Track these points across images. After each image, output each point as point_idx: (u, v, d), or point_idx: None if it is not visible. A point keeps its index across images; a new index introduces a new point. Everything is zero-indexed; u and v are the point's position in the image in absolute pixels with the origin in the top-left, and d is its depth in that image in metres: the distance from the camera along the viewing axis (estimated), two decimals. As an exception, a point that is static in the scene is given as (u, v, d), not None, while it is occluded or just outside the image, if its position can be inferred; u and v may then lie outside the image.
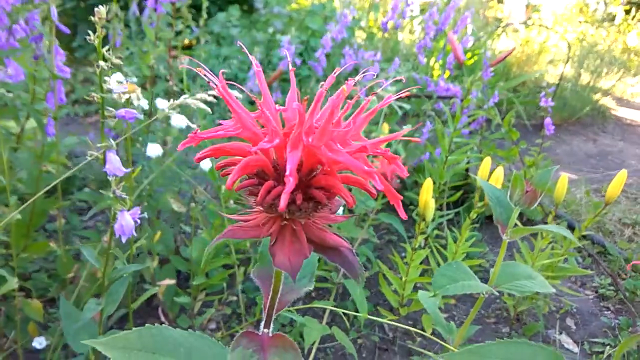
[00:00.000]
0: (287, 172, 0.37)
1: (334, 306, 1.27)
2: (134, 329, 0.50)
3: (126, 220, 0.66)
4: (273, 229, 0.43)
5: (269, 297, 0.50)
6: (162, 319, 1.61)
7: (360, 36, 3.48)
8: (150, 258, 1.53)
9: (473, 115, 2.05)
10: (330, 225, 0.53)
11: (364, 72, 0.50)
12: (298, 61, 2.57)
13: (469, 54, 3.49)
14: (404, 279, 1.65)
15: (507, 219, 0.83)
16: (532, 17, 6.64)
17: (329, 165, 0.41)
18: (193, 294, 1.76)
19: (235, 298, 1.98)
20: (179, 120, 1.49)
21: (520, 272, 0.90)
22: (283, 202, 0.37)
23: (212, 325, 1.83)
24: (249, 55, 0.49)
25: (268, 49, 3.46)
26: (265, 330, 0.51)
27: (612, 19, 7.64)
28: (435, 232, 2.09)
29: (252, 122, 0.44)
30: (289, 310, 1.15)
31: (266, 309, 0.51)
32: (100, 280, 0.77)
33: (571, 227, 2.39)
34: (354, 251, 0.47)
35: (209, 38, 3.56)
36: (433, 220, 2.08)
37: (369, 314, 1.42)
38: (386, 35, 2.82)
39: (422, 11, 3.25)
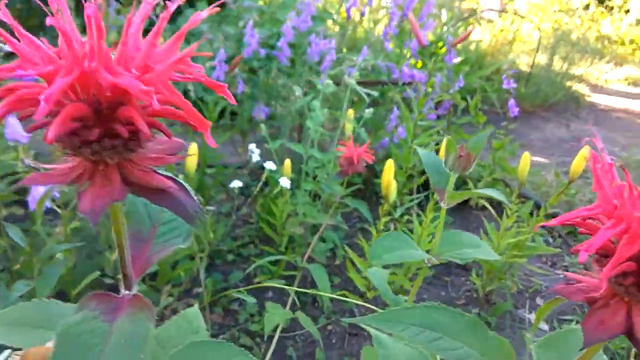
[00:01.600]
0: (42, 97, 0.32)
1: (296, 288, 1.26)
2: (20, 304, 0.47)
3: (38, 191, 0.64)
4: (80, 173, 0.39)
5: (122, 255, 0.47)
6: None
7: (333, 28, 3.47)
8: (109, 251, 1.50)
9: (438, 99, 2.05)
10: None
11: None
12: (264, 52, 2.55)
13: (441, 43, 3.49)
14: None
15: (445, 185, 0.82)
16: (507, 8, 6.68)
17: (111, 91, 0.37)
18: (158, 286, 1.74)
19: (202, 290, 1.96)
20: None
21: (464, 241, 0.89)
22: (51, 133, 0.33)
23: (180, 318, 1.80)
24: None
25: (239, 43, 3.43)
26: (126, 292, 0.47)
27: (586, 7, 7.73)
28: (406, 217, 2.09)
29: (37, 55, 0.39)
30: (239, 291, 1.13)
31: (121, 268, 0.48)
32: (28, 261, 0.75)
33: (538, 207, 2.41)
34: (190, 192, 0.43)
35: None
36: (402, 204, 2.08)
37: (337, 299, 1.41)
38: (361, 23, 2.81)
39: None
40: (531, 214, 1.89)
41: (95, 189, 0.38)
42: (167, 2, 0.42)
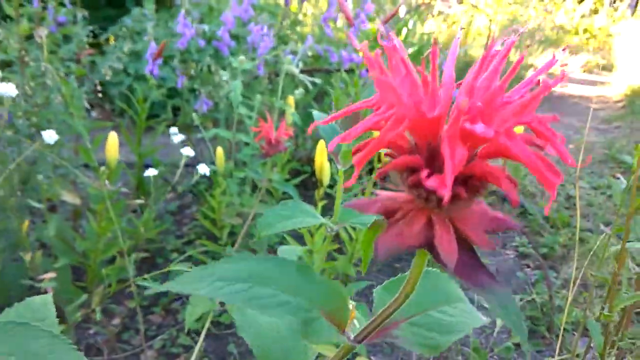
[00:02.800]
0: None
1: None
2: None
3: None
4: None
5: None
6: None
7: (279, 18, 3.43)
8: (23, 250, 1.41)
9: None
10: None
11: None
12: (203, 42, 2.48)
13: (373, 27, 3.49)
14: (309, 248, 1.59)
15: (340, 147, 0.77)
16: (463, 1, 6.76)
17: None
18: (89, 287, 1.65)
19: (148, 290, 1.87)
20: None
21: (369, 208, 0.84)
22: None
23: (116, 321, 1.71)
24: None
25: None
26: None
27: (541, -1, 7.88)
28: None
29: None
30: (144, 279, 1.06)
31: None
32: None
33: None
34: None
35: (123, 33, 3.43)
36: (350, 190, 2.03)
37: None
38: (301, 11, 2.77)
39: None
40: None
41: None
42: None
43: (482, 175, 0.35)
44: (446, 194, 0.31)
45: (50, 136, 1.39)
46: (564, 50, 0.38)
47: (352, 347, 0.49)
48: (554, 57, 0.38)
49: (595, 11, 7.86)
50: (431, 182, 0.33)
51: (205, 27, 2.91)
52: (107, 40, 3.61)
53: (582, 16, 7.69)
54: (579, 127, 3.90)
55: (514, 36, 0.41)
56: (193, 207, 2.52)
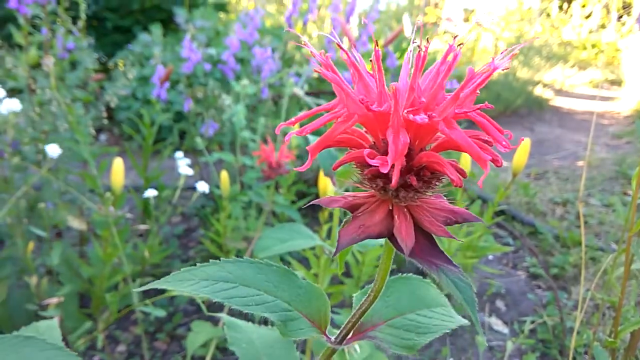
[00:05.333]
0: None
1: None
2: None
3: None
4: None
5: None
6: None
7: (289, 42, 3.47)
8: (28, 276, 1.41)
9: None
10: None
11: None
12: (209, 66, 2.51)
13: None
14: (314, 271, 1.57)
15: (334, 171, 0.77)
16: (469, 19, 6.80)
17: None
18: (94, 313, 1.64)
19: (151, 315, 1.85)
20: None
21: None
22: None
23: (121, 348, 1.70)
24: None
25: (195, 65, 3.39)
26: None
27: (547, 15, 7.90)
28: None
29: None
30: (145, 304, 1.05)
31: None
32: None
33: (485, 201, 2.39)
34: None
35: (131, 59, 3.49)
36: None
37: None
38: (306, 32, 2.80)
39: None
40: (481, 213, 1.84)
41: None
42: None
43: (429, 163, 0.40)
44: (386, 170, 0.35)
45: (53, 150, 1.40)
46: (501, 53, 0.44)
47: (333, 350, 0.51)
48: (493, 60, 0.43)
49: (603, 26, 7.85)
50: (375, 161, 0.36)
51: (212, 51, 2.95)
52: (116, 65, 3.67)
53: (590, 31, 7.68)
54: (587, 144, 3.87)
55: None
56: (199, 230, 2.52)
